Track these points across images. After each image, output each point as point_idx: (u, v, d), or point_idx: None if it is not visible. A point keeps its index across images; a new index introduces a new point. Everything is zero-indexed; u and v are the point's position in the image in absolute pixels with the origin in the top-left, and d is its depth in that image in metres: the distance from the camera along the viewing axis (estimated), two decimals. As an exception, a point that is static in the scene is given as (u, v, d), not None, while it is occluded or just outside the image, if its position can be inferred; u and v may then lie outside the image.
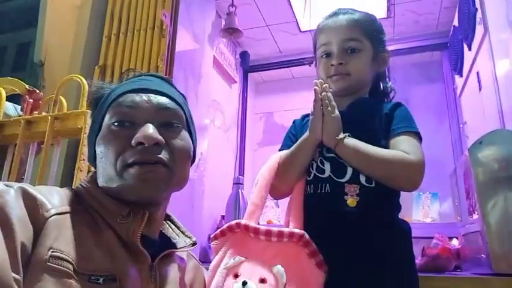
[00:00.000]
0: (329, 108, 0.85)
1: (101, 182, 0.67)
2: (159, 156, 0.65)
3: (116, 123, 0.67)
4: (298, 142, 0.91)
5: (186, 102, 0.77)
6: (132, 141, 0.64)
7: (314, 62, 1.05)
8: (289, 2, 2.36)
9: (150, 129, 0.65)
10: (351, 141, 0.85)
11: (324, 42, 0.97)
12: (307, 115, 0.97)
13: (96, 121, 0.71)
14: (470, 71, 2.00)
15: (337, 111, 0.87)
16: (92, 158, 0.72)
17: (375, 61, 0.97)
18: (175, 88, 0.77)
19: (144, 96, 0.69)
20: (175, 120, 0.70)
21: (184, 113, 0.73)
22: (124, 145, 0.65)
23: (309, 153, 0.89)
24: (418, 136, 0.88)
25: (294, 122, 1.05)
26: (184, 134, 0.72)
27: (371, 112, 0.92)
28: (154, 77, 0.77)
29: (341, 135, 0.85)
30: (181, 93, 0.77)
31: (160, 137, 0.65)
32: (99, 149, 0.67)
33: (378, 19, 1.02)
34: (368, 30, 0.96)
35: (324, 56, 0.97)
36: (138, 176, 0.63)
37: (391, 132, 0.88)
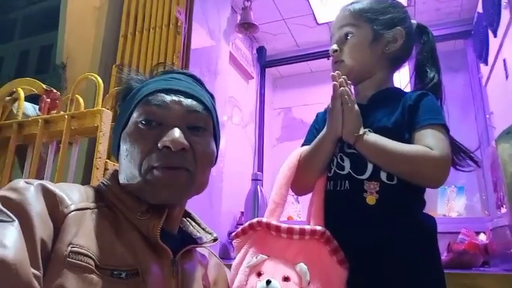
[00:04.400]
0: (349, 103, 0.82)
1: (122, 178, 0.67)
2: (184, 162, 0.65)
3: (143, 122, 0.67)
4: (317, 138, 0.88)
5: (215, 104, 0.77)
6: (159, 144, 0.64)
7: None
8: (305, -6, 2.33)
9: (177, 134, 0.65)
10: (371, 137, 0.81)
11: (330, 35, 0.98)
12: None
13: (123, 114, 0.71)
14: (496, 58, 1.93)
15: (356, 106, 0.83)
16: (116, 150, 0.73)
17: (377, 42, 0.91)
18: (205, 88, 0.77)
19: (174, 97, 0.69)
20: (202, 125, 0.70)
21: (212, 117, 0.73)
22: (150, 146, 0.65)
23: (329, 150, 0.86)
24: (445, 128, 0.82)
25: (317, 115, 1.02)
26: (210, 139, 0.72)
27: (394, 104, 0.87)
28: (185, 75, 0.76)
29: (361, 131, 0.82)
30: (210, 94, 0.77)
31: (186, 143, 0.65)
32: (125, 146, 0.67)
33: (390, 1, 0.96)
34: (367, 12, 0.93)
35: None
36: (161, 180, 0.64)
37: (415, 125, 0.83)
